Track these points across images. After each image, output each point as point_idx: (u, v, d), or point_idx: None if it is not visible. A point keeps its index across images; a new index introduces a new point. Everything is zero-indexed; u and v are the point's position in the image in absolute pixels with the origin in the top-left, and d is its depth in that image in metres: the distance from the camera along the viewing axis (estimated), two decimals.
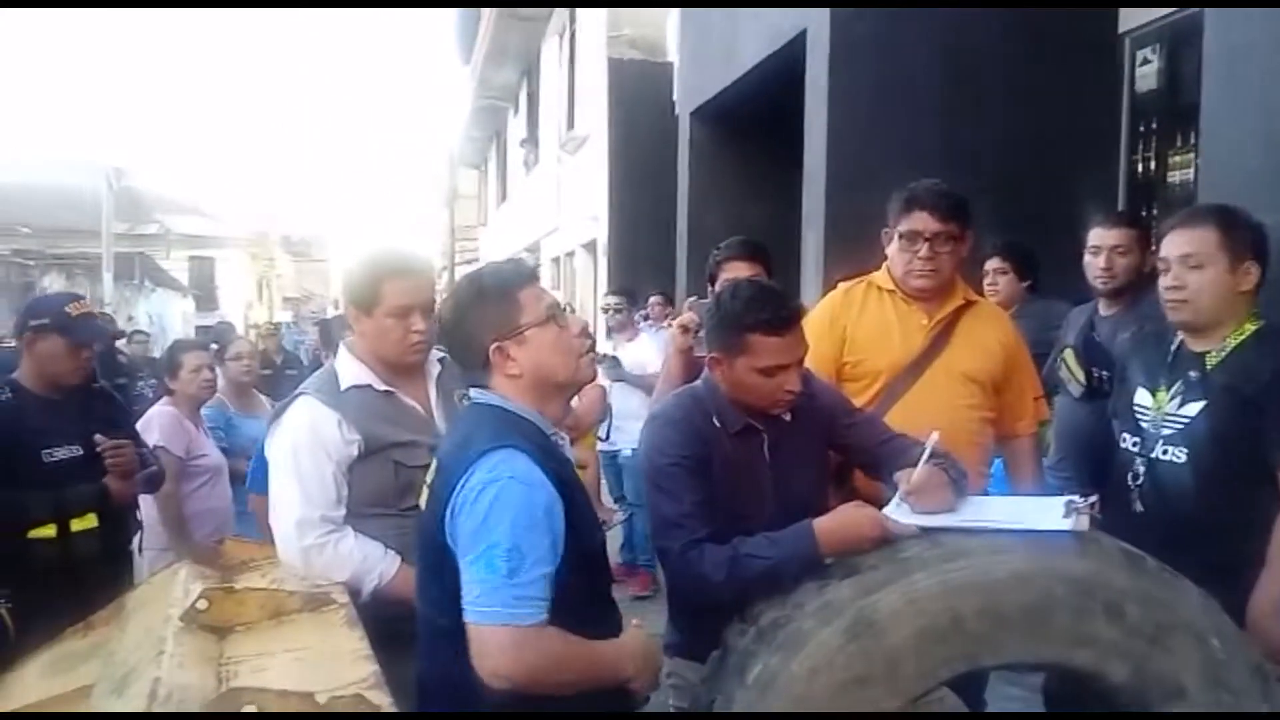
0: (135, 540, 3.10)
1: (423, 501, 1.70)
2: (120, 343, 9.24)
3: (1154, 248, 2.97)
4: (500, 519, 1.49)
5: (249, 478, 3.17)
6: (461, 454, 1.58)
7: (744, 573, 1.76)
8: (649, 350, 5.23)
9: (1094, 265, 2.96)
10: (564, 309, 1.78)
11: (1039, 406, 2.61)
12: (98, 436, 2.78)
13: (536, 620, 1.48)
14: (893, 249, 2.44)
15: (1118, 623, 1.64)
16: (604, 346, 5.69)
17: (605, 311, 5.64)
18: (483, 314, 1.66)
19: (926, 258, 2.35)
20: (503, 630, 1.46)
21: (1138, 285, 2.93)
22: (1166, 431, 2.13)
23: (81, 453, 2.76)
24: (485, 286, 1.70)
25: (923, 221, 2.35)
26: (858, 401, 2.28)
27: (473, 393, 1.71)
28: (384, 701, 1.37)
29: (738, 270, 2.80)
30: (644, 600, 4.96)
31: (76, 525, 2.68)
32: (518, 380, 1.66)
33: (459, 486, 1.54)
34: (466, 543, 1.51)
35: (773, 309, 1.88)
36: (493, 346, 1.64)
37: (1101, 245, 2.94)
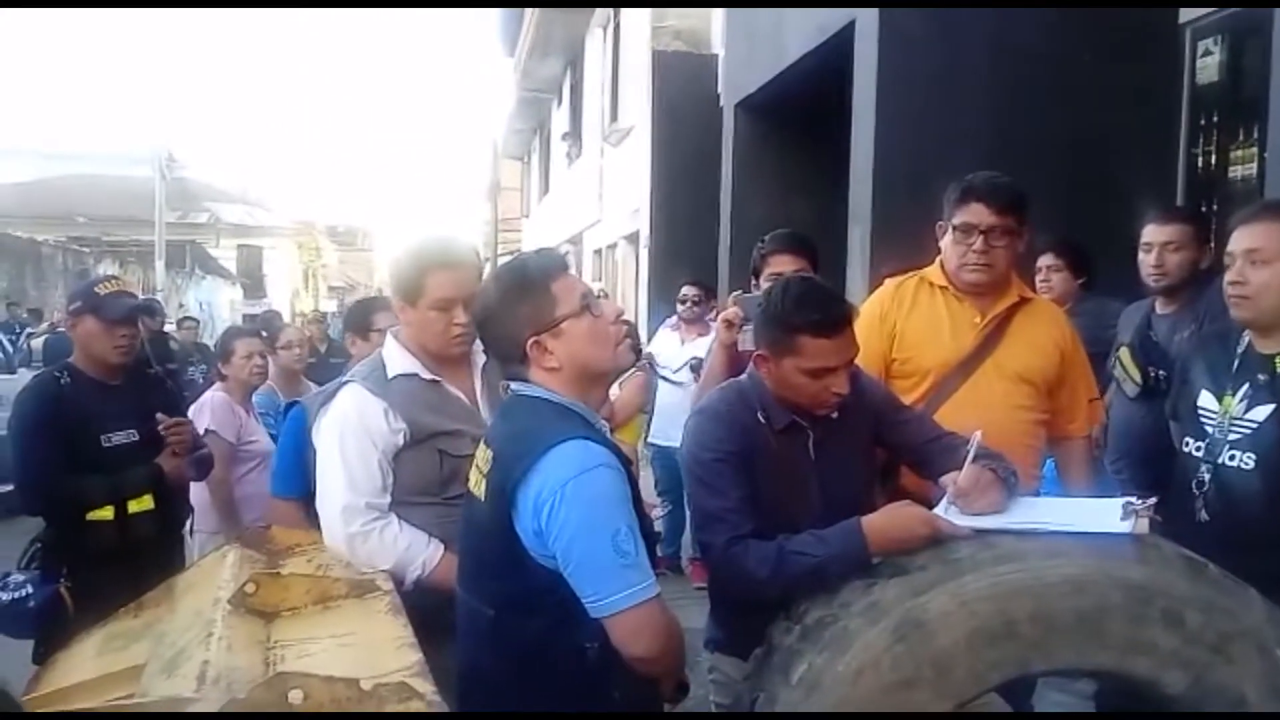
0: (188, 523, 3.16)
1: (478, 491, 1.68)
2: (170, 328, 9.46)
3: (1212, 243, 2.90)
4: (609, 506, 1.53)
5: (272, 479, 2.74)
6: (526, 446, 1.57)
7: (790, 570, 1.73)
8: None
9: (1145, 263, 2.90)
10: (598, 295, 1.76)
11: (1094, 409, 2.54)
12: (159, 415, 2.83)
13: (658, 590, 1.55)
14: (946, 242, 2.38)
15: (1177, 631, 1.59)
16: (672, 338, 5.60)
17: (682, 303, 5.55)
18: (517, 309, 1.65)
19: (980, 251, 2.29)
20: (646, 607, 1.52)
21: (1194, 282, 2.85)
22: (1234, 436, 2.06)
23: (138, 438, 2.82)
24: (517, 281, 1.69)
25: (978, 214, 2.29)
26: (907, 399, 2.23)
27: (514, 385, 1.70)
28: (428, 689, 1.38)
29: (782, 264, 2.77)
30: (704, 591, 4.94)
31: (134, 507, 2.74)
32: (557, 373, 1.65)
33: (533, 480, 1.53)
34: (578, 536, 1.52)
35: (823, 310, 1.84)
36: (530, 341, 1.63)
37: (1153, 242, 2.88)
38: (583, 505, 1.51)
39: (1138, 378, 2.85)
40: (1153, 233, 2.89)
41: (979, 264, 2.30)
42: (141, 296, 3.42)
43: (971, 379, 2.32)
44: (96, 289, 2.86)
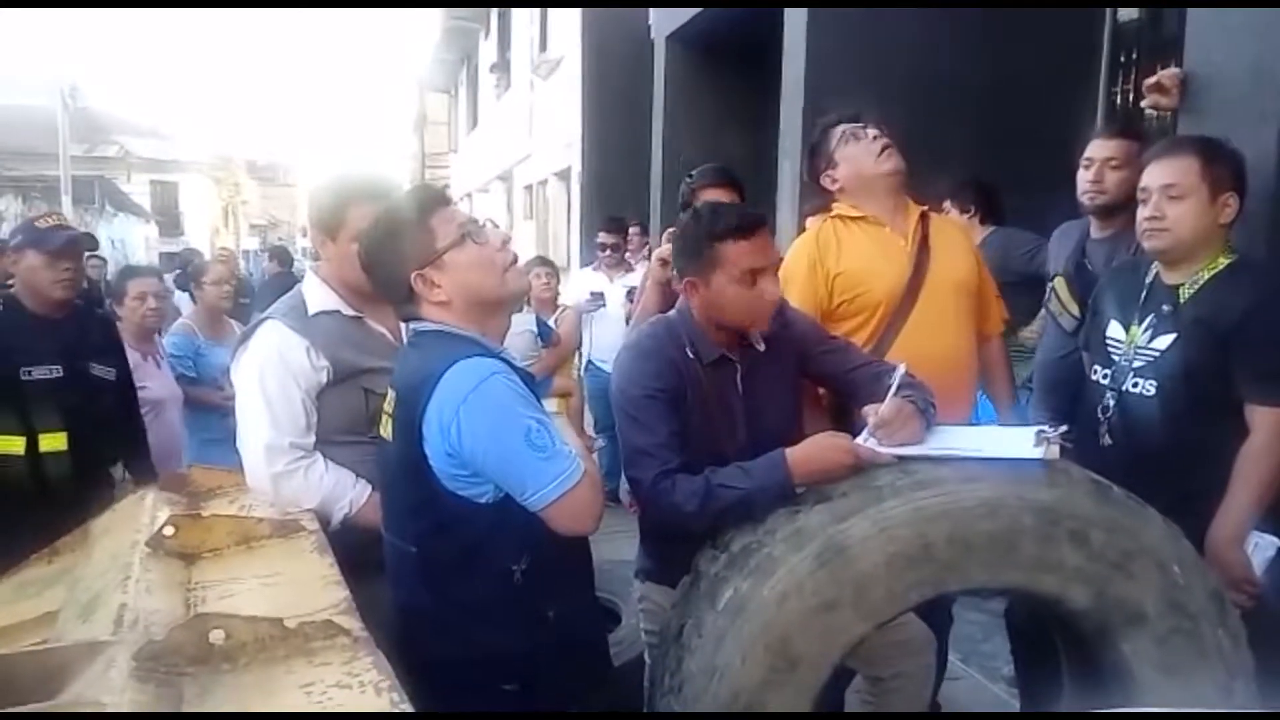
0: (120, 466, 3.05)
1: (386, 433, 1.68)
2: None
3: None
4: (512, 409, 1.55)
5: None
6: (422, 376, 1.58)
7: (716, 503, 1.76)
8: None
9: (1083, 179, 2.73)
10: (481, 225, 1.74)
11: (1000, 304, 2.62)
12: None
13: (584, 467, 1.59)
14: (850, 164, 2.43)
15: (1082, 549, 1.67)
16: (597, 277, 5.56)
17: (602, 250, 5.54)
18: (398, 247, 1.66)
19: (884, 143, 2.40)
20: (580, 486, 1.56)
21: (1130, 206, 2.73)
22: (1138, 364, 2.13)
23: (61, 374, 2.79)
24: (394, 220, 1.69)
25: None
26: (861, 335, 2.27)
27: (412, 324, 1.71)
28: (354, 626, 1.36)
29: (713, 197, 2.75)
30: None
31: (45, 445, 2.71)
32: (449, 306, 1.65)
33: (434, 406, 1.54)
34: (493, 445, 1.53)
35: (738, 215, 1.89)
36: (414, 276, 1.64)
37: (1095, 158, 2.72)
38: (487, 415, 1.53)
39: (1075, 310, 2.74)
40: (1096, 148, 2.74)
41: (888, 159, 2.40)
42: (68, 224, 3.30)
43: (921, 299, 2.34)
44: (36, 223, 2.88)
